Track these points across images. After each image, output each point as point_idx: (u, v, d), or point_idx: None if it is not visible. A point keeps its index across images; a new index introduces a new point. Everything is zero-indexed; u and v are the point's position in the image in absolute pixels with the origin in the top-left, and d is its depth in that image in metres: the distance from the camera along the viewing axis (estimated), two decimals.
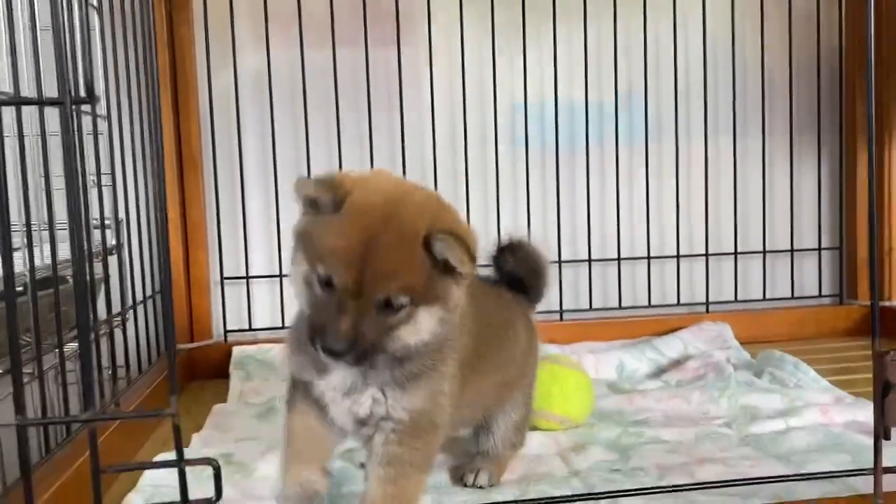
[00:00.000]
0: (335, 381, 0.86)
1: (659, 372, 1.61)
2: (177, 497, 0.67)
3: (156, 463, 0.80)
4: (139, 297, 1.53)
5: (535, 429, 1.27)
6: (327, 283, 0.76)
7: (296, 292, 0.82)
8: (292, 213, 1.77)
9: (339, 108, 1.79)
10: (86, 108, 1.20)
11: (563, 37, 1.86)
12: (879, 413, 0.81)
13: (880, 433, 0.82)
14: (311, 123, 1.79)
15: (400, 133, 1.81)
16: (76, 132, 1.13)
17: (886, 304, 1.88)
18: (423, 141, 1.85)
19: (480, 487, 1.03)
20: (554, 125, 1.87)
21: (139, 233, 1.57)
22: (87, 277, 0.84)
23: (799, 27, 1.94)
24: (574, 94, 1.89)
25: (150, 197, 1.66)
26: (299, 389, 0.90)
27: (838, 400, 1.32)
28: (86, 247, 1.14)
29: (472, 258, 0.79)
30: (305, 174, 1.72)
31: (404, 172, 1.81)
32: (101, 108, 1.40)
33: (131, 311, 1.49)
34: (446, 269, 0.79)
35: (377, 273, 0.75)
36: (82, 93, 0.73)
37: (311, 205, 0.80)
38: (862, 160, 1.93)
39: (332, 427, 0.90)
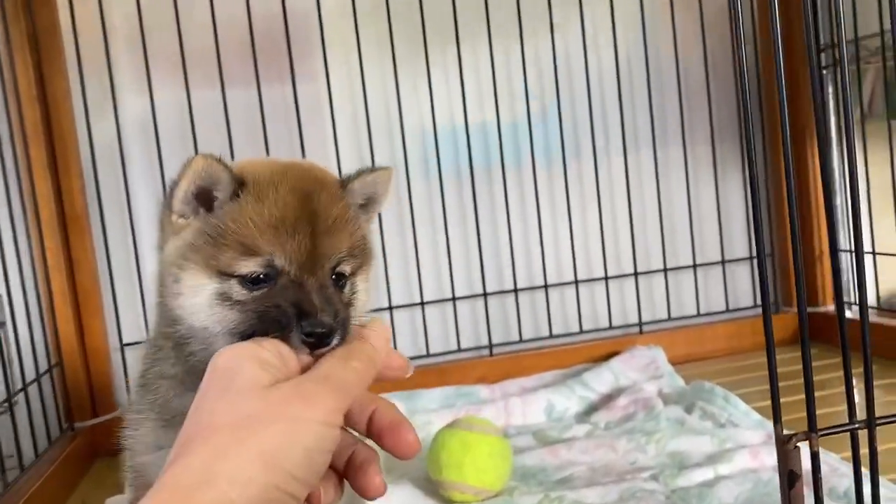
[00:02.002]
0: None
1: (589, 410, 1.53)
2: None
3: None
4: (37, 370, 1.42)
5: (450, 502, 1.18)
6: (265, 276, 0.62)
7: (202, 321, 0.64)
8: None
9: (234, 149, 1.67)
10: None
11: (468, 58, 1.76)
12: None
13: None
14: None
15: None
16: None
17: (821, 310, 1.83)
18: None
19: None
20: (467, 150, 1.77)
21: (26, 306, 1.46)
22: None
23: (711, 26, 1.87)
24: (486, 117, 1.79)
25: (35, 266, 1.53)
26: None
27: (769, 438, 1.26)
28: None
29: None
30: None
31: None
32: None
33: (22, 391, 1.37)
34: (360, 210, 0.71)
35: (325, 238, 0.64)
36: None
37: (199, 199, 0.66)
38: None
39: None
